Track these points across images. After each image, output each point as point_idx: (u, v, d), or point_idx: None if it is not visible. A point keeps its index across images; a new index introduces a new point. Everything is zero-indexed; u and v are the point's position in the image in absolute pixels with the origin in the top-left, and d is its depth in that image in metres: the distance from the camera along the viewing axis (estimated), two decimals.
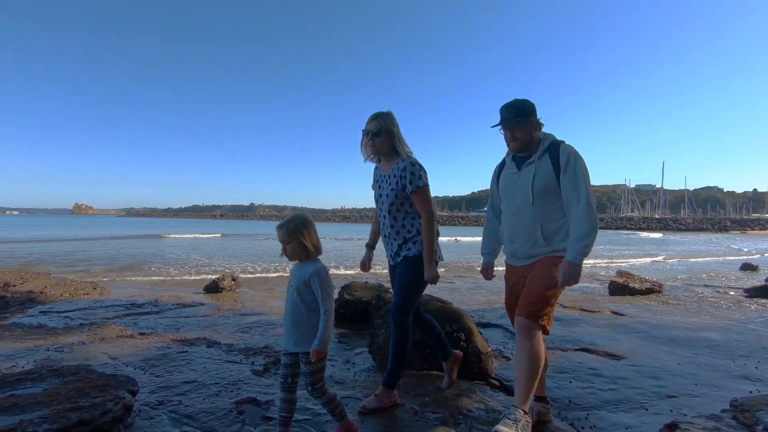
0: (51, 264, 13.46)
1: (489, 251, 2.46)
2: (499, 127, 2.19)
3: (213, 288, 7.80)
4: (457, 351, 2.73)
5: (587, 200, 1.96)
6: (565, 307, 5.90)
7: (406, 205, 2.37)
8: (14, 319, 5.28)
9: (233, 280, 8.17)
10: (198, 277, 10.71)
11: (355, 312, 4.79)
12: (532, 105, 2.15)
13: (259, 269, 12.69)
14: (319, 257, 2.00)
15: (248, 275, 11.18)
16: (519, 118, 2.10)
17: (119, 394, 2.22)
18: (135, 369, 3.01)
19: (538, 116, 2.16)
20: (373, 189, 2.56)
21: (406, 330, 2.32)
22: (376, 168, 2.55)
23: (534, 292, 2.04)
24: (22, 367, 2.97)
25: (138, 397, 2.38)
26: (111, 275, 11.13)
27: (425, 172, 2.36)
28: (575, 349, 3.79)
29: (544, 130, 2.20)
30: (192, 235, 37.24)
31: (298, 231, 1.92)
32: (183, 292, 7.92)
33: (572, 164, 2.02)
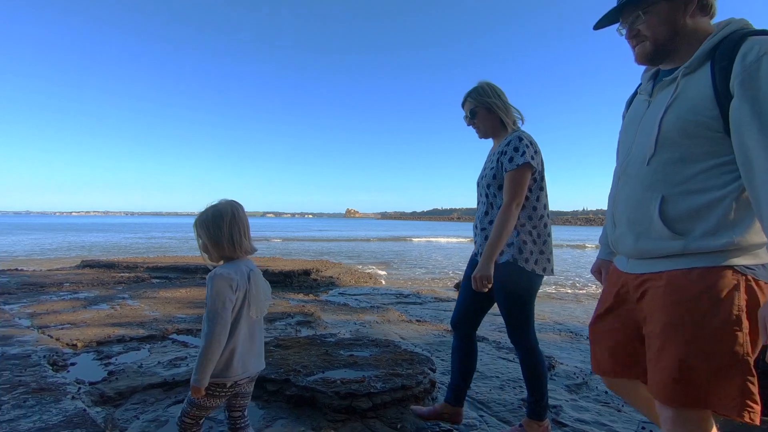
0: (331, 255, 17.22)
1: (605, 241, 1.47)
2: (618, 26, 1.24)
3: None
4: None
5: None
6: None
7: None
8: (325, 296, 6.94)
9: None
10: (443, 276, 11.65)
11: None
12: None
13: None
14: (239, 260, 1.54)
15: None
16: None
17: (424, 370, 2.60)
18: (422, 350, 3.47)
19: None
20: None
21: (527, 350, 1.95)
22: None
23: (672, 358, 1.06)
24: (343, 335, 3.83)
25: (433, 376, 2.73)
26: (382, 268, 13.37)
27: (534, 151, 1.91)
28: None
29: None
30: (435, 239, 40.83)
31: (203, 227, 1.52)
32: (437, 288, 8.76)
33: (765, 72, 0.97)
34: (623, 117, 1.37)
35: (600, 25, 1.24)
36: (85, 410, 2.10)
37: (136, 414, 2.26)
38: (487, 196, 2.00)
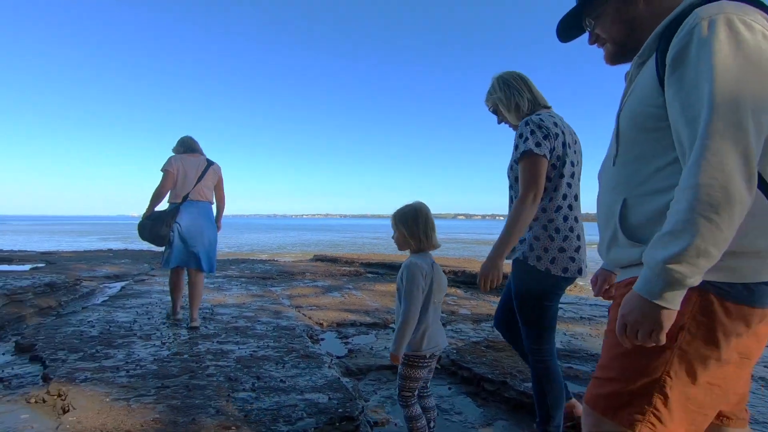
0: None
1: None
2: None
3: None
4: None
5: (708, 136, 0.77)
6: None
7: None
8: None
9: None
10: None
11: None
12: None
13: None
14: (425, 253, 1.79)
15: None
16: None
17: None
18: None
19: None
20: None
21: (537, 361, 1.80)
22: None
23: (605, 364, 0.97)
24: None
25: None
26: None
27: (544, 136, 1.69)
28: None
29: None
30: None
31: (402, 222, 1.79)
32: None
33: (694, 51, 0.80)
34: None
35: (568, 38, 1.20)
36: (339, 378, 2.58)
37: (375, 389, 2.65)
38: (511, 188, 1.92)
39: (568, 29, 1.17)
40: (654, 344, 0.84)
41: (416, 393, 1.79)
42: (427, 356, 1.74)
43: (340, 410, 2.11)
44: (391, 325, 4.17)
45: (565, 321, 4.84)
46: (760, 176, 0.82)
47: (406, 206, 1.82)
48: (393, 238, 1.84)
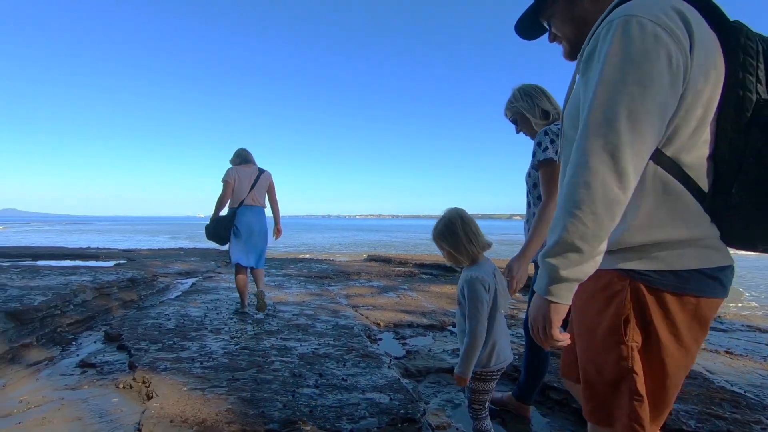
0: None
1: None
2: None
3: None
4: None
5: (583, 138, 0.83)
6: None
7: (538, 189, 1.93)
8: None
9: None
10: (761, 300, 8.79)
11: None
12: None
13: None
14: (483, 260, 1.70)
15: None
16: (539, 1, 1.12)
17: (761, 419, 2.04)
18: (745, 392, 2.73)
19: None
20: None
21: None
22: None
23: (580, 368, 1.02)
24: None
25: None
26: None
27: (558, 142, 1.55)
28: None
29: None
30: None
31: (442, 239, 1.71)
32: (745, 312, 6.71)
33: (597, 50, 0.87)
34: None
35: (532, 36, 1.22)
36: (399, 379, 2.59)
37: (434, 392, 2.63)
38: (529, 193, 2.04)
39: (531, 28, 1.20)
40: (555, 341, 0.90)
41: (487, 405, 1.75)
42: (495, 371, 1.70)
43: (401, 411, 2.12)
44: (448, 328, 4.12)
45: None
46: (679, 168, 0.86)
47: (439, 221, 1.74)
48: (444, 257, 1.77)
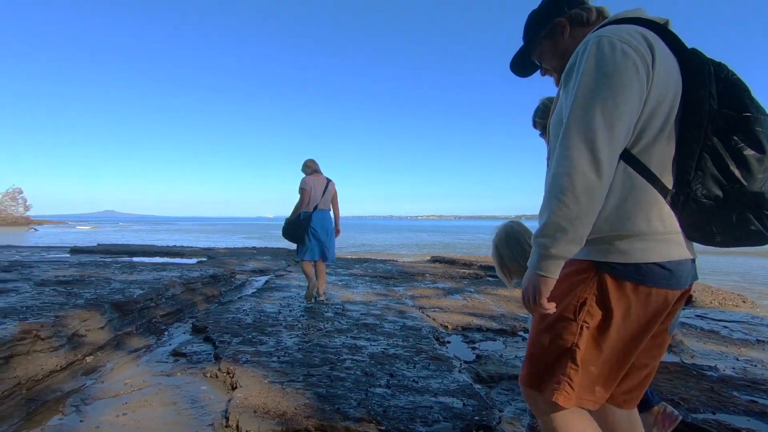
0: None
1: None
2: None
3: None
4: None
5: (565, 135, 1.00)
6: None
7: None
8: (682, 318, 5.77)
9: None
10: None
11: None
12: (542, 6, 1.30)
13: None
14: None
15: None
16: (527, 41, 1.33)
17: None
18: None
19: (569, 9, 1.24)
20: None
21: None
22: None
23: (530, 342, 1.20)
24: (724, 370, 3.06)
25: None
26: (746, 290, 10.03)
27: None
28: None
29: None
30: None
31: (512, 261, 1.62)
32: None
33: (577, 65, 1.05)
34: None
35: (526, 74, 1.42)
36: (471, 384, 2.53)
37: (508, 400, 2.54)
38: None
39: (523, 67, 1.40)
40: (543, 309, 1.03)
41: None
42: None
43: (476, 418, 2.07)
44: (520, 333, 3.96)
45: (734, 343, 4.08)
46: (644, 166, 1.00)
47: (496, 247, 1.67)
48: (500, 268, 1.67)
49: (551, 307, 1.04)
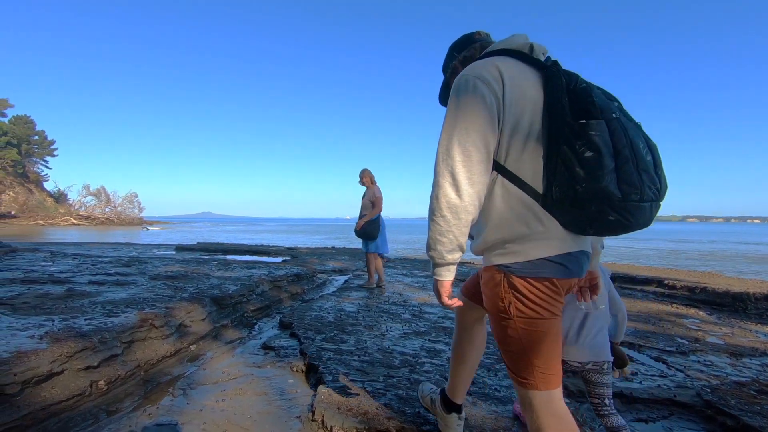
0: None
1: None
2: None
3: None
4: None
5: (435, 163, 1.22)
6: None
7: None
8: None
9: None
10: None
11: None
12: (452, 47, 1.54)
13: None
14: None
15: None
16: (443, 81, 1.60)
17: None
18: None
19: (459, 54, 1.53)
20: None
21: None
22: None
23: (498, 342, 1.36)
24: None
25: None
26: None
27: None
28: None
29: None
30: None
31: None
32: None
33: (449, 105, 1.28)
34: None
35: None
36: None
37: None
38: None
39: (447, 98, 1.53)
40: (448, 306, 1.29)
41: (607, 401, 1.78)
42: (602, 362, 1.82)
43: None
44: None
45: None
46: (515, 176, 1.17)
47: None
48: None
49: (454, 303, 1.28)
